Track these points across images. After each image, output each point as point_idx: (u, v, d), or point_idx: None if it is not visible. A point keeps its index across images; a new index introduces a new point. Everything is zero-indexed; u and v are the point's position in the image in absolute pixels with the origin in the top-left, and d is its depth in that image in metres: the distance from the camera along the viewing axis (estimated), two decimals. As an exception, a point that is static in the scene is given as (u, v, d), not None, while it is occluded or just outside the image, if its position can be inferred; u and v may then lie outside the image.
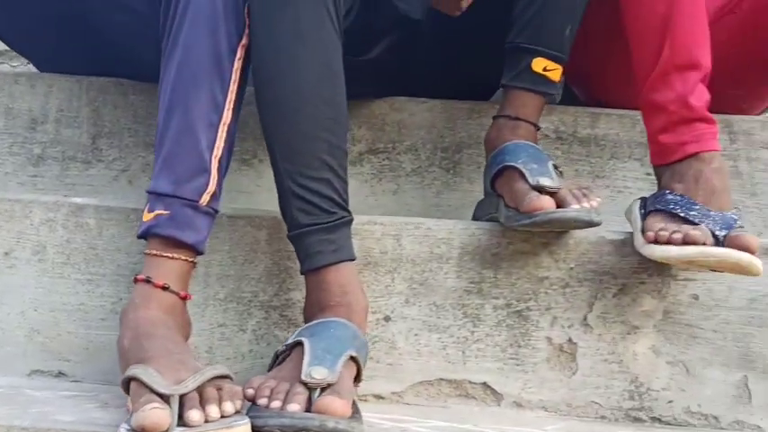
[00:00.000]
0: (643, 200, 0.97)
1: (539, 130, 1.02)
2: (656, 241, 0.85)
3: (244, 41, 0.88)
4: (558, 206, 0.88)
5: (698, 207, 0.86)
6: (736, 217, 0.87)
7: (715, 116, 1.18)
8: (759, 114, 1.24)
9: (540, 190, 0.89)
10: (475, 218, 1.04)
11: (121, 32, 1.09)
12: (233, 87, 0.87)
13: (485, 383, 0.96)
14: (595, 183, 1.19)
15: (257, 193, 1.19)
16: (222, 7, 0.85)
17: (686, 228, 0.85)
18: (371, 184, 1.20)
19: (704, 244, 0.82)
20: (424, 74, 1.17)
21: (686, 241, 0.82)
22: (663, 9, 0.90)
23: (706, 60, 0.91)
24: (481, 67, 1.11)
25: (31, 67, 1.36)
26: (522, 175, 0.91)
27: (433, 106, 1.20)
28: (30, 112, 1.21)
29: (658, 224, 0.87)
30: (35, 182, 1.21)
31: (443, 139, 1.20)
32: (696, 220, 0.85)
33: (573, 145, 1.19)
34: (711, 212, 0.86)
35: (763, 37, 1.12)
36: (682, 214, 0.86)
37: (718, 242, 0.84)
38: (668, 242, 0.84)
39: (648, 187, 1.13)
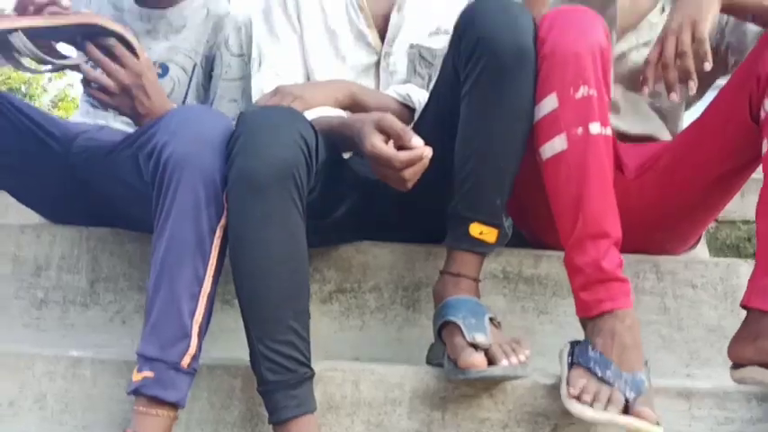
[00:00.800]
0: (572, 346, 1.11)
1: (479, 282, 1.16)
2: (578, 398, 0.99)
3: (222, 222, 1.03)
4: (490, 362, 1.01)
5: (612, 368, 1.01)
6: (644, 378, 1.01)
7: (643, 257, 1.34)
8: (683, 254, 1.39)
9: (476, 346, 1.03)
10: (428, 360, 1.17)
11: (119, 199, 1.25)
12: (212, 262, 1.02)
13: None
14: (539, 318, 1.33)
15: (238, 330, 1.29)
16: (204, 198, 1.00)
17: (605, 392, 0.99)
18: (340, 321, 1.34)
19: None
20: (384, 224, 1.33)
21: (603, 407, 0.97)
22: (575, 189, 1.06)
23: (615, 230, 1.07)
24: (434, 220, 1.25)
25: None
26: (461, 331, 1.05)
27: (394, 249, 1.35)
28: (35, 259, 1.35)
29: (580, 380, 1.01)
30: (38, 323, 1.34)
31: (404, 279, 1.34)
32: (610, 381, 1.00)
33: (519, 284, 1.34)
34: (623, 374, 1.00)
35: (679, 189, 1.28)
36: (599, 374, 1.01)
37: (627, 402, 0.98)
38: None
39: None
